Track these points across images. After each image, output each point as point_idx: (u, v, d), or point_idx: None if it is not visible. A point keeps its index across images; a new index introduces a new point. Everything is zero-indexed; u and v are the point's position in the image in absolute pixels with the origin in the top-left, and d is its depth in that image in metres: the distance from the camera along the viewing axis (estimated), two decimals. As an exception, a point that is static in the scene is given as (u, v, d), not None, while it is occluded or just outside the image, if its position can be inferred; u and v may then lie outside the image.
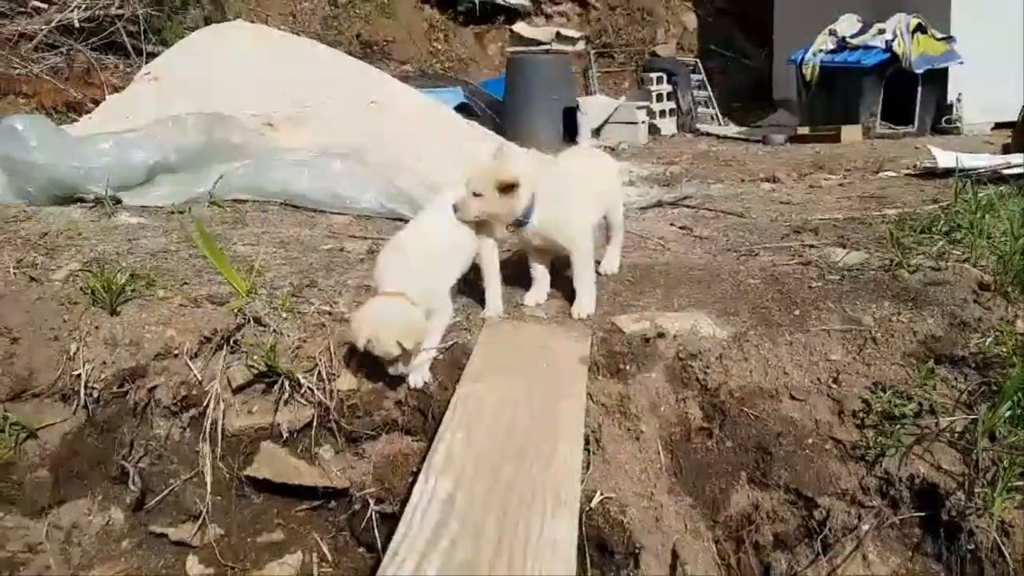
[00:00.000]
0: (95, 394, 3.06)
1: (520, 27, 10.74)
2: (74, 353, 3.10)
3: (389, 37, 11.87)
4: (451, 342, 3.03)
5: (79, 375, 3.06)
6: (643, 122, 9.65)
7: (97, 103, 8.22)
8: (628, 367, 2.98)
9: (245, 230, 4.63)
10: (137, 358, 3.09)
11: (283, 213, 5.19)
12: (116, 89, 8.56)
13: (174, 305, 3.28)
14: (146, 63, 8.91)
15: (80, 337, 3.13)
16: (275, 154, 5.74)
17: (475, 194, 3.07)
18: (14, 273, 3.62)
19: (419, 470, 2.95)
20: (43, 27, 9.08)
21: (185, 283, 3.53)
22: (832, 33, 9.61)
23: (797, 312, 3.11)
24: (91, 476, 3.08)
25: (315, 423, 3.01)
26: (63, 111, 8.71)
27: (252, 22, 9.45)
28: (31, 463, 3.06)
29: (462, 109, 8.66)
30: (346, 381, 3.02)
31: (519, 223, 3.12)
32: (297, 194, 5.39)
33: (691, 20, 12.92)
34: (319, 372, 3.02)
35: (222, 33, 7.31)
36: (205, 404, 3.02)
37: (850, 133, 8.85)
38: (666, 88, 10.48)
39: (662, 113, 10.30)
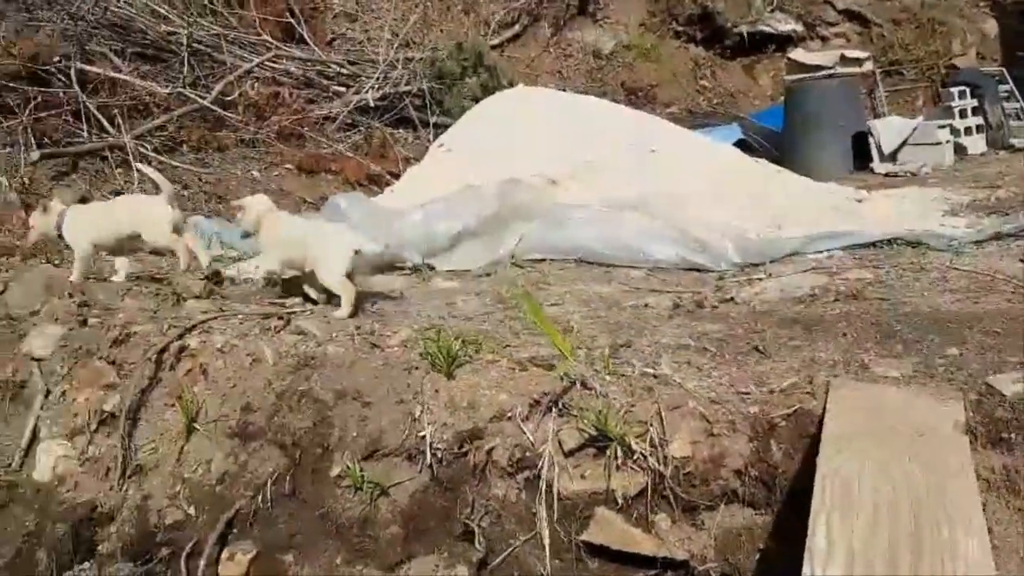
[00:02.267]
0: (439, 455, 3.22)
1: (798, 54, 10.17)
2: (418, 415, 3.30)
3: (653, 81, 11.88)
4: (795, 407, 2.81)
5: (424, 436, 3.24)
6: (947, 141, 8.64)
7: (393, 175, 9.04)
8: (1012, 435, 2.55)
9: (549, 290, 4.74)
10: (474, 420, 3.21)
11: (578, 270, 5.27)
12: (407, 160, 9.37)
13: (502, 368, 3.39)
14: (432, 133, 9.72)
15: (423, 400, 3.33)
16: (563, 212, 5.90)
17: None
18: (356, 340, 3.99)
19: (766, 547, 2.78)
20: (343, 109, 10.22)
21: (507, 345, 3.65)
22: None
23: None
24: (436, 533, 3.22)
25: (649, 490, 2.92)
26: (365, 184, 9.61)
27: (524, 83, 9.94)
28: (384, 519, 3.28)
29: (740, 145, 8.36)
30: (679, 448, 2.91)
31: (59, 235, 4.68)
32: (589, 250, 5.47)
33: (991, 27, 11.48)
34: (650, 438, 2.94)
35: (506, 100, 7.77)
36: (539, 467, 3.05)
37: None
38: (970, 103, 9.33)
39: (967, 130, 9.15)
